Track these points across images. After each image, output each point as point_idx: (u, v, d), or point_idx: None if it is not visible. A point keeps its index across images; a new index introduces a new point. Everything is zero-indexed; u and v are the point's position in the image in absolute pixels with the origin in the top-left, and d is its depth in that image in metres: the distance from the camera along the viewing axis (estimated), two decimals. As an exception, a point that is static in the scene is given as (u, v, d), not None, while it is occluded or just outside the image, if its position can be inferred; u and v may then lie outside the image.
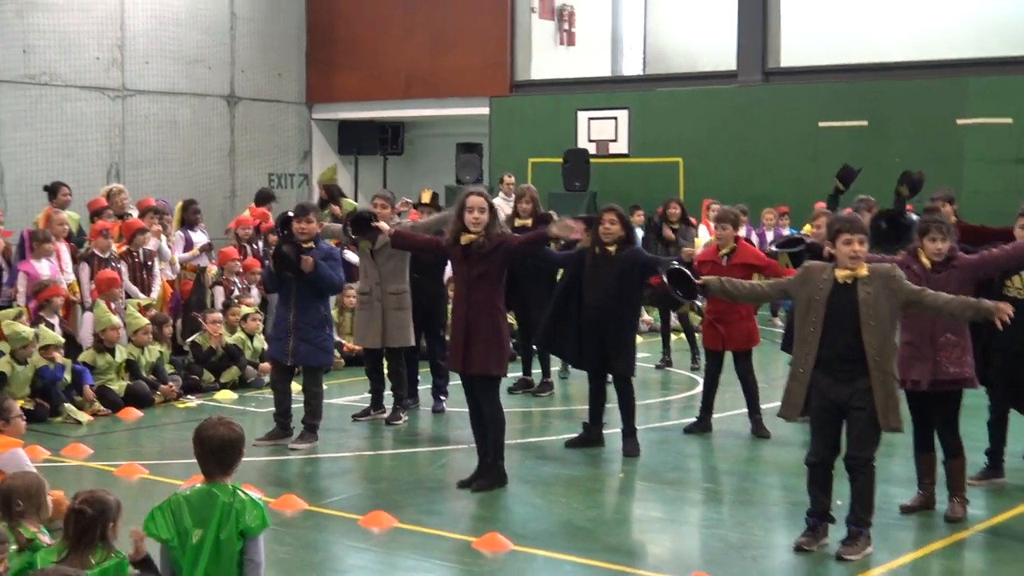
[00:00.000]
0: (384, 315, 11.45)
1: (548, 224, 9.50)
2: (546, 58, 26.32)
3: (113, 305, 12.69)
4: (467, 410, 11.92)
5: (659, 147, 23.65)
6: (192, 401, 12.69)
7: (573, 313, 10.24)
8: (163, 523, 5.38)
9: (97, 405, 11.94)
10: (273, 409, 10.86)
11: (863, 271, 7.41)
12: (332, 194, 17.07)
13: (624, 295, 10.12)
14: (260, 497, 5.52)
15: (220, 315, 13.65)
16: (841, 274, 7.43)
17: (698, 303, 8.35)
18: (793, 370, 7.61)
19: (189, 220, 15.26)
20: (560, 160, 23.93)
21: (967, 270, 8.17)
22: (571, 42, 26.68)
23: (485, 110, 25.83)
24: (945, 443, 8.46)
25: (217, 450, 5.49)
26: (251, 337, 13.87)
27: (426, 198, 12.66)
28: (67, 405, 11.66)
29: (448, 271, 12.66)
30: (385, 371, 11.85)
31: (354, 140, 27.80)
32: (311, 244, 10.59)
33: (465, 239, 8.96)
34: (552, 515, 8.63)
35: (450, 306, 14.41)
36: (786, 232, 17.97)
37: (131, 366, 12.55)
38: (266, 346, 13.95)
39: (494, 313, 8.98)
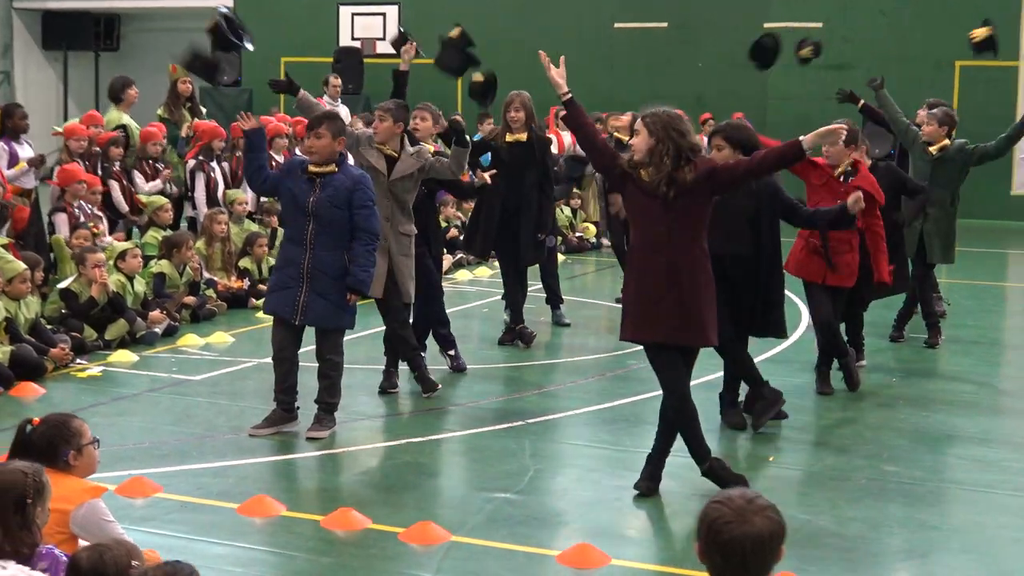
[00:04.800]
0: (391, 260, 8.82)
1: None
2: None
3: (-16, 245, 9.57)
4: (478, 366, 10.06)
5: (435, 48, 21.40)
6: (92, 367, 9.74)
7: None
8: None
9: (-16, 381, 8.90)
10: (202, 376, 8.53)
11: None
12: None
13: (760, 238, 8.03)
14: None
15: (103, 256, 10.57)
16: None
17: None
18: None
19: (15, 127, 11.83)
20: (321, 60, 21.99)
21: None
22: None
23: (227, 0, 22.82)
24: None
25: (755, 549, 3.31)
26: (131, 280, 10.93)
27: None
28: (-47, 385, 8.59)
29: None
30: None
31: (61, 33, 24.14)
32: (334, 167, 7.99)
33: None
34: (819, 529, 6.46)
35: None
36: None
37: (10, 325, 9.48)
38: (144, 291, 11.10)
39: (705, 261, 6.75)
